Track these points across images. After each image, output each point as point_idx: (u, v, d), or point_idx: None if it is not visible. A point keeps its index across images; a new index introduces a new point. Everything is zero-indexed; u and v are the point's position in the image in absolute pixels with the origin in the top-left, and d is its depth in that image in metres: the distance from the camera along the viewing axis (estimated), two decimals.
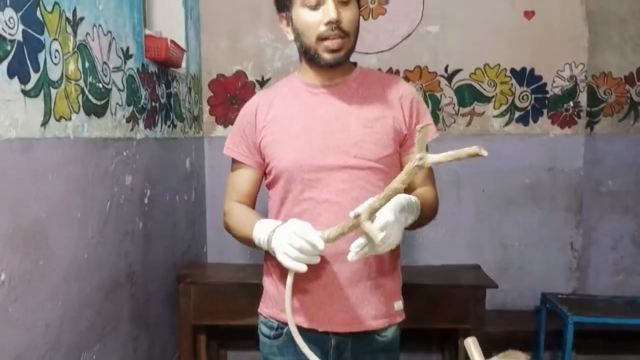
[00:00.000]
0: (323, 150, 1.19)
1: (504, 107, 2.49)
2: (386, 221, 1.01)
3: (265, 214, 1.28)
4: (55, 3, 1.22)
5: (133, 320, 1.69)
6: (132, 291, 1.67)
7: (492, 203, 2.51)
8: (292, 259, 1.06)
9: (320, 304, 1.20)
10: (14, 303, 1.05)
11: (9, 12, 1.04)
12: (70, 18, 1.29)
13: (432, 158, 0.83)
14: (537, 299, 2.38)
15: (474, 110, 2.49)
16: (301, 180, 1.20)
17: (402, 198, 1.08)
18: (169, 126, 2.06)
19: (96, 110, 1.43)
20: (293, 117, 1.23)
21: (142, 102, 1.76)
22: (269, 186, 1.29)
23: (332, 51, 1.15)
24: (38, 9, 1.14)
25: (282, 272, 1.18)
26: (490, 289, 2.03)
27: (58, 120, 1.23)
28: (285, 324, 1.18)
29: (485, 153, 0.78)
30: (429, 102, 2.49)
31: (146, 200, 1.79)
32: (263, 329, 1.30)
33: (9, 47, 1.04)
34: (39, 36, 1.15)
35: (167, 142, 2.04)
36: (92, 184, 1.40)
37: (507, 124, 2.50)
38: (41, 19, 1.16)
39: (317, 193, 1.19)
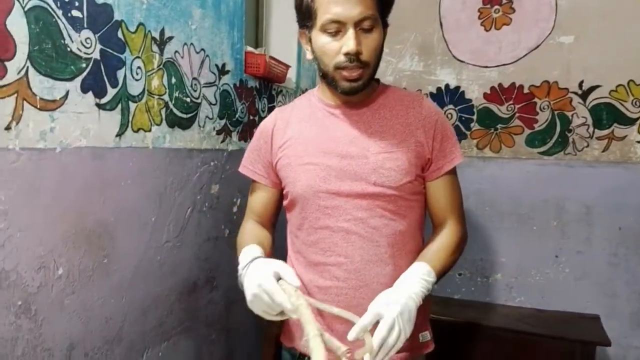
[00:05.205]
0: (340, 176, 1.11)
1: None
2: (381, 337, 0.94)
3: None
4: (140, 24, 1.33)
5: (211, 324, 1.76)
6: (210, 295, 1.74)
7: (630, 244, 2.11)
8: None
9: (336, 331, 1.11)
10: (71, 295, 1.16)
11: (86, 33, 1.15)
12: (157, 37, 1.40)
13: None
14: None
15: (613, 133, 2.12)
16: (317, 207, 1.13)
17: (411, 301, 0.98)
18: None
19: (181, 123, 1.52)
20: (309, 139, 1.17)
21: (237, 116, 1.84)
22: (287, 209, 1.25)
23: (350, 80, 1.07)
24: (120, 29, 1.26)
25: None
26: (616, 348, 1.69)
27: (136, 131, 1.34)
28: (305, 355, 1.12)
29: None
30: (557, 122, 2.20)
31: (235, 209, 1.86)
32: (286, 357, 1.26)
33: (83, 65, 1.15)
34: (119, 55, 1.26)
35: None
36: (170, 192, 1.50)
37: None
38: (122, 38, 1.27)
39: (334, 221, 1.12)
